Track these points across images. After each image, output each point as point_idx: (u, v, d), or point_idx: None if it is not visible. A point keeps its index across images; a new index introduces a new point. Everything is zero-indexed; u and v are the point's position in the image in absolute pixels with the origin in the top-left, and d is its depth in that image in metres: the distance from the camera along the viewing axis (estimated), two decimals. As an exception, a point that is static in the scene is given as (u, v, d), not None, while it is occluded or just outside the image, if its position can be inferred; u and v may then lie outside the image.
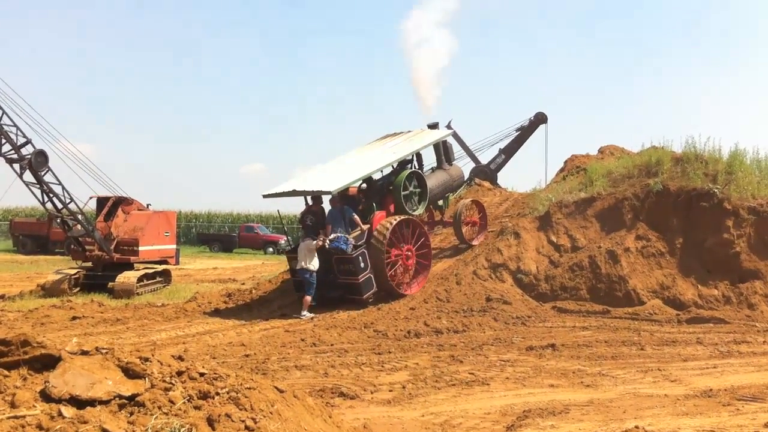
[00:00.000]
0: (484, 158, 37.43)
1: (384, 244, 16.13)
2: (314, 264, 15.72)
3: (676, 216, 17.48)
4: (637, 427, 6.97)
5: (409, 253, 17.09)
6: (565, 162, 27.64)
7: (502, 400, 8.68)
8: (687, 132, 68.23)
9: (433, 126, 21.32)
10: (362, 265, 16.08)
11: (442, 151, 20.92)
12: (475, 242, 20.03)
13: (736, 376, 10.12)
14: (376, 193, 18.25)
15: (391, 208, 17.80)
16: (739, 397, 8.73)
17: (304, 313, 15.41)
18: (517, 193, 27.02)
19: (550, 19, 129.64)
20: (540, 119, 37.26)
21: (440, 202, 20.98)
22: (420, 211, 18.56)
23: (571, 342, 12.62)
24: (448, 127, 37.20)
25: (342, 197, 17.10)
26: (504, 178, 39.44)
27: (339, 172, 17.73)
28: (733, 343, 12.73)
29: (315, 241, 15.85)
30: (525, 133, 37.31)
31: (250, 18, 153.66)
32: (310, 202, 17.48)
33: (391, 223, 16.50)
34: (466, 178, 24.33)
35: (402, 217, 17.05)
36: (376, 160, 18.28)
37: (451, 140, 21.71)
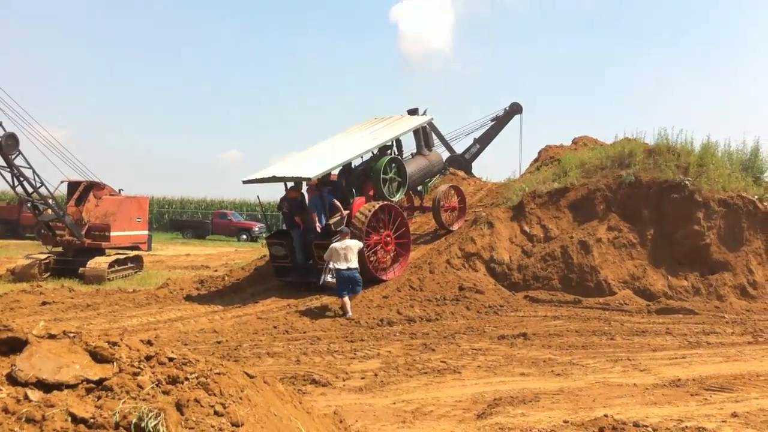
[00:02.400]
0: (459, 147, 37.59)
1: (363, 232, 16.05)
2: (356, 262, 14.94)
3: (648, 207, 17.64)
4: (606, 415, 7.06)
5: (389, 238, 17.11)
6: (539, 152, 27.80)
7: (473, 388, 8.74)
8: (660, 124, 68.70)
9: (413, 112, 21.43)
10: None
11: (422, 137, 21.01)
12: (454, 227, 20.10)
13: (705, 366, 10.26)
14: (356, 178, 18.27)
15: (371, 194, 17.86)
16: (707, 387, 8.85)
17: (349, 313, 14.33)
18: (491, 183, 27.15)
19: (526, 9, 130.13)
20: (515, 110, 37.46)
21: (419, 188, 21.11)
22: (399, 196, 18.61)
23: (543, 331, 12.72)
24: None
25: (321, 183, 17.08)
26: (478, 167, 39.68)
27: (319, 158, 17.66)
28: (702, 334, 12.90)
29: (358, 242, 15.14)
30: (500, 123, 37.51)
31: (228, 1, 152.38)
32: (289, 187, 17.37)
33: (369, 210, 16.47)
34: (444, 164, 24.40)
35: (381, 203, 17.08)
36: (356, 146, 18.31)
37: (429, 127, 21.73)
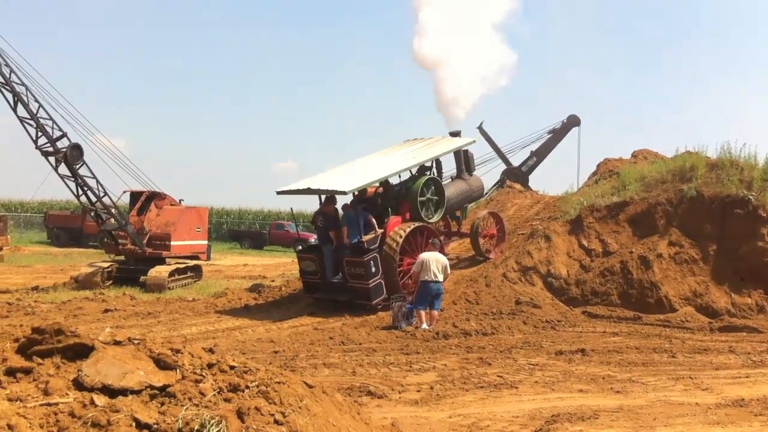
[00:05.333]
0: (516, 160, 37.35)
1: (396, 252, 15.75)
2: (441, 276, 14.60)
3: (710, 222, 17.24)
4: (667, 434, 6.89)
5: None
6: (598, 165, 27.39)
7: (530, 403, 8.63)
8: (723, 137, 67.22)
9: (455, 134, 20.81)
10: (373, 269, 15.59)
11: (463, 160, 20.35)
12: (491, 255, 19.54)
13: (770, 386, 9.95)
14: (393, 197, 17.86)
15: (407, 215, 17.33)
16: (772, 407, 8.58)
17: (424, 325, 14.06)
18: (548, 196, 26.83)
19: (585, 19, 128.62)
20: (573, 122, 37.09)
21: (458, 213, 20.54)
22: (436, 218, 18.08)
23: (602, 347, 12.51)
24: (480, 128, 37.25)
25: (358, 200, 16.91)
26: (535, 180, 39.30)
27: (355, 173, 17.45)
28: (767, 353, 12.52)
29: (445, 257, 15.04)
30: (557, 135, 37.17)
31: (289, 13, 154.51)
32: (324, 200, 17.06)
33: (404, 231, 16.09)
34: (485, 191, 23.72)
35: (416, 225, 16.55)
36: (393, 164, 17.96)
37: (473, 149, 21.21)
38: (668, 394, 9.27)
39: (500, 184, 34.09)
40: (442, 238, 17.73)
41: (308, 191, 16.35)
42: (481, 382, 9.70)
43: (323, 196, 16.92)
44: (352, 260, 15.74)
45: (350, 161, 19.65)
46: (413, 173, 18.40)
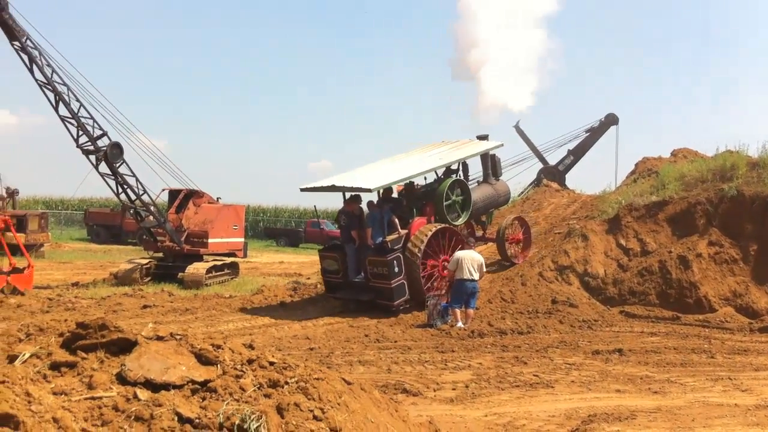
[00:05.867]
0: (553, 159, 37.08)
1: (419, 255, 15.56)
2: (477, 275, 14.57)
3: (751, 222, 16.96)
4: (706, 436, 6.82)
5: (446, 263, 16.00)
6: (636, 164, 27.13)
7: (567, 403, 8.59)
8: (764, 136, 66.03)
9: (483, 138, 20.40)
10: (396, 269, 15.40)
11: (490, 164, 20.04)
12: (518, 261, 19.16)
13: (811, 388, 9.79)
14: (417, 199, 17.60)
15: (432, 218, 17.02)
16: (814, 409, 8.44)
17: (459, 323, 14.10)
18: (585, 195, 26.65)
19: (621, 15, 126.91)
20: (611, 121, 36.67)
21: (483, 218, 20.17)
22: (461, 221, 17.74)
23: (639, 347, 12.40)
24: (516, 126, 37.05)
25: (383, 200, 16.79)
26: (572, 179, 38.96)
27: (381, 172, 17.36)
28: (808, 354, 12.31)
29: (480, 256, 14.99)
30: (595, 134, 36.80)
31: (329, 13, 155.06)
32: (347, 199, 16.90)
33: (427, 234, 15.88)
34: (521, 191, 23.28)
35: (439, 226, 16.34)
36: (419, 165, 17.79)
37: (501, 153, 20.79)
38: (707, 395, 9.17)
39: (537, 182, 33.88)
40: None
41: (332, 188, 16.26)
42: (517, 381, 9.67)
43: (347, 195, 16.83)
44: (375, 259, 15.60)
45: (375, 161, 19.60)
46: (439, 175, 18.23)
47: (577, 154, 36.91)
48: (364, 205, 16.83)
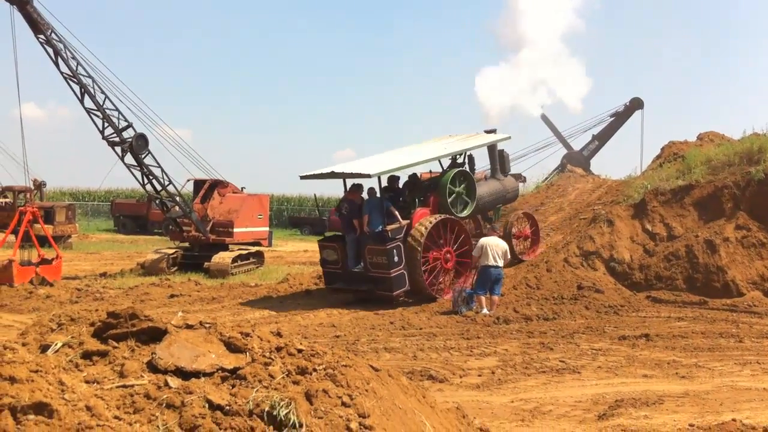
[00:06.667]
0: (577, 144, 36.89)
1: (420, 247, 15.20)
2: (502, 262, 14.51)
3: (780, 205, 16.76)
4: (734, 420, 6.77)
5: (449, 255, 16.02)
6: (662, 149, 26.82)
7: (593, 388, 8.57)
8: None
9: (491, 132, 19.78)
10: (396, 258, 15.04)
11: (498, 159, 19.41)
12: (525, 258, 18.61)
13: (841, 372, 9.69)
14: (421, 190, 17.17)
15: (435, 208, 16.55)
16: (844, 393, 8.35)
17: (485, 310, 14.09)
18: (610, 180, 26.46)
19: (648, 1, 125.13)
20: (636, 105, 36.41)
21: (490, 214, 19.55)
22: (465, 213, 17.24)
23: (666, 332, 12.32)
24: (542, 115, 36.85)
25: (385, 189, 16.46)
26: (597, 164, 38.70)
27: (383, 160, 17.20)
28: (837, 338, 12.16)
29: (505, 243, 14.92)
30: (620, 119, 36.58)
31: (350, 7, 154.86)
32: (350, 187, 16.62)
33: (428, 225, 15.48)
34: (519, 192, 22.43)
35: (440, 217, 15.86)
36: (423, 153, 17.56)
37: (508, 147, 20.17)
38: (735, 380, 9.11)
39: (561, 168, 33.73)
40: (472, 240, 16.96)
41: (332, 175, 16.12)
42: (543, 367, 9.67)
43: (349, 185, 16.60)
44: (374, 248, 15.24)
45: (379, 153, 19.40)
46: (444, 169, 17.87)
47: (602, 139, 36.72)
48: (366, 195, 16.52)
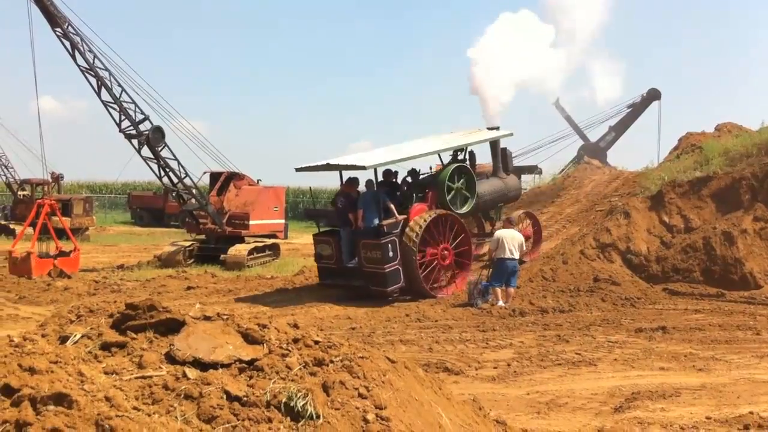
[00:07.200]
0: (594, 136, 36.72)
1: (416, 243, 14.85)
2: (518, 254, 14.42)
3: (798, 197, 16.64)
4: (751, 412, 6.75)
5: (446, 252, 15.69)
6: (680, 140, 26.65)
7: (609, 381, 8.55)
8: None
9: (494, 129, 19.44)
10: (391, 254, 14.66)
11: (500, 157, 19.08)
12: (526, 258, 17.59)
13: None
14: (419, 186, 16.90)
15: (433, 203, 16.19)
16: None
17: (500, 302, 14.02)
18: (627, 172, 26.34)
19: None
20: (653, 96, 36.15)
21: (491, 213, 19.27)
22: (465, 210, 16.89)
23: (683, 325, 12.26)
24: (556, 104, 36.70)
25: (382, 183, 16.16)
26: (613, 156, 38.50)
27: (380, 153, 17.06)
28: None
29: (521, 235, 14.91)
30: (637, 110, 36.36)
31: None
32: (346, 180, 16.46)
33: (424, 221, 15.11)
34: (521, 190, 21.98)
35: (437, 212, 15.53)
36: (422, 147, 17.35)
37: (509, 145, 19.83)
38: (752, 372, 9.05)
39: (577, 160, 33.60)
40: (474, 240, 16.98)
41: (327, 167, 15.91)
42: (559, 360, 9.65)
43: (345, 178, 16.43)
44: (369, 243, 14.92)
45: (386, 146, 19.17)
46: (444, 164, 17.68)
47: (619, 130, 36.53)
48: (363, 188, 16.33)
